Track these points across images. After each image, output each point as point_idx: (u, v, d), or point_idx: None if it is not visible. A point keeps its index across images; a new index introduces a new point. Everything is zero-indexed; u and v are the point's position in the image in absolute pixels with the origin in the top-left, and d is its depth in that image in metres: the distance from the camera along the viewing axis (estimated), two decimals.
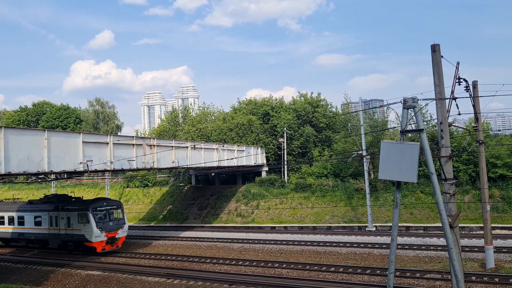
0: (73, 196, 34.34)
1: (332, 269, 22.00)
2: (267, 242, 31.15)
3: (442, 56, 11.61)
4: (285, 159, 46.97)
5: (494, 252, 21.24)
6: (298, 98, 54.07)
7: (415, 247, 26.01)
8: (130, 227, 44.55)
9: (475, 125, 20.53)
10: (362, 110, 39.31)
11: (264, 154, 46.92)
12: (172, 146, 30.72)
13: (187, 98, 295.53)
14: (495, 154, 34.70)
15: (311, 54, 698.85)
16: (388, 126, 43.50)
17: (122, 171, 35.33)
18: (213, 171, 47.13)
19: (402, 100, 10.02)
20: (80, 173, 32.16)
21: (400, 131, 9.91)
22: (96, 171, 26.85)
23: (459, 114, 13.99)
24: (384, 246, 26.92)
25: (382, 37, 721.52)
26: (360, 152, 36.21)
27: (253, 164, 44.07)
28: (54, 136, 21.25)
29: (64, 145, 21.72)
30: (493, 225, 24.64)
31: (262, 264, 24.14)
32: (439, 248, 25.01)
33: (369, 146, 38.17)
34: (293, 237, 32.30)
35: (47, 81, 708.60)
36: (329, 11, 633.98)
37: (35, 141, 20.16)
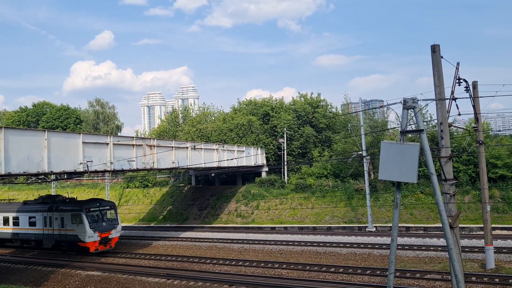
0: (67, 196, 34.66)
1: (332, 269, 22.00)
2: (267, 242, 31.14)
3: (442, 57, 11.62)
4: (285, 159, 46.98)
5: (494, 252, 21.23)
6: (298, 99, 54.11)
7: (415, 248, 26.00)
8: (131, 228, 44.70)
9: (475, 125, 20.53)
10: (362, 111, 39.36)
11: (264, 154, 46.92)
12: (172, 147, 30.73)
13: (187, 99, 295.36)
14: (495, 155, 34.71)
15: (311, 54, 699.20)
16: (388, 127, 43.52)
17: (122, 171, 35.35)
18: (213, 171, 47.14)
19: (402, 101, 10.02)
20: (80, 174, 32.19)
21: (400, 131, 9.90)
22: (96, 172, 26.86)
23: (459, 114, 14.00)
24: (384, 246, 26.91)
25: (382, 38, 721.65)
26: (360, 152, 36.21)
27: (253, 165, 44.08)
28: (54, 137, 21.25)
29: (64, 145, 21.72)
30: (493, 225, 24.66)
31: (262, 264, 24.13)
32: (439, 248, 25.01)
33: (369, 147, 38.18)
34: (293, 238, 32.29)
35: (47, 82, 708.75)
36: (329, 11, 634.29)
37: (35, 142, 20.16)
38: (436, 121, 13.29)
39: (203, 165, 34.70)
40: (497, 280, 18.46)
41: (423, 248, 25.84)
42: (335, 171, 43.03)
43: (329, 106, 53.58)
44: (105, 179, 53.65)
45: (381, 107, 25.04)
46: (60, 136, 22.03)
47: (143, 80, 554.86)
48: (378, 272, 20.93)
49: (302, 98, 53.46)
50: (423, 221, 34.01)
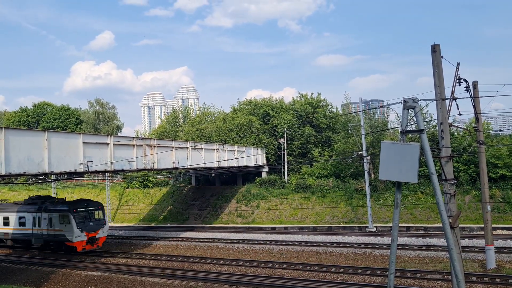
0: (56, 197, 35.42)
1: (333, 269, 21.99)
2: (268, 242, 31.14)
3: (442, 57, 11.61)
4: (285, 159, 46.97)
5: (495, 252, 21.22)
6: (298, 99, 54.08)
7: (415, 248, 25.99)
8: (131, 228, 44.72)
9: (476, 125, 20.52)
10: (362, 111, 39.32)
11: (264, 154, 46.93)
12: (173, 147, 30.73)
13: (187, 99, 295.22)
14: (495, 155, 34.69)
15: (311, 54, 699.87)
16: (389, 127, 43.49)
17: (123, 171, 35.42)
18: (214, 171, 47.14)
19: (402, 101, 10.01)
20: (81, 174, 32.23)
21: (401, 131, 9.89)
22: (96, 172, 26.87)
23: (460, 114, 13.97)
24: (384, 246, 26.91)
25: (382, 38, 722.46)
26: (360, 152, 36.19)
27: (254, 165, 44.07)
28: (54, 137, 21.26)
29: (64, 145, 21.73)
30: (494, 225, 24.66)
31: (263, 264, 24.13)
32: (440, 248, 25.00)
33: (369, 147, 38.16)
34: (294, 238, 32.29)
35: (48, 82, 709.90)
36: (329, 12, 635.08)
37: (36, 142, 20.17)
38: (436, 121, 13.28)
39: (203, 165, 34.70)
40: (497, 280, 18.45)
41: (424, 248, 25.83)
42: (335, 171, 43.01)
43: (329, 106, 53.56)
44: (105, 179, 53.66)
45: (381, 107, 25.01)
46: (60, 136, 22.03)
47: (143, 80, 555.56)
48: (378, 272, 20.92)
49: (302, 98, 53.43)
50: (423, 221, 33.99)
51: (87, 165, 22.64)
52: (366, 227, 34.35)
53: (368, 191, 34.87)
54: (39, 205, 32.98)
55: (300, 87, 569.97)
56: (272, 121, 49.68)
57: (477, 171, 30.15)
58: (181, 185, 52.45)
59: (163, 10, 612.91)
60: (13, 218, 34.36)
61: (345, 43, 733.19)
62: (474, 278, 18.71)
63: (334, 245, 28.64)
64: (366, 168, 35.33)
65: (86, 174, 36.65)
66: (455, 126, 18.44)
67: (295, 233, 35.18)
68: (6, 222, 34.84)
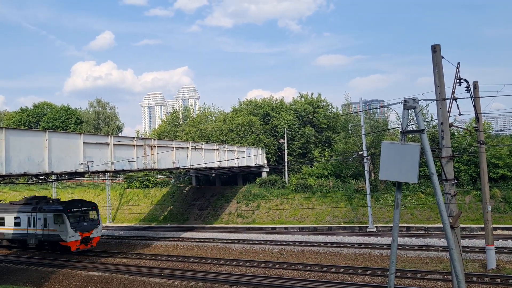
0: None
1: (333, 269, 21.99)
2: (268, 242, 31.14)
3: (442, 57, 11.60)
4: (286, 159, 46.98)
5: (496, 252, 21.21)
6: (299, 99, 54.08)
7: (416, 248, 25.99)
8: (131, 228, 44.72)
9: (476, 125, 20.51)
10: (362, 111, 39.30)
11: (265, 154, 46.92)
12: (173, 147, 30.75)
13: (188, 99, 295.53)
14: (496, 155, 34.68)
15: (311, 54, 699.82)
16: (389, 127, 43.49)
17: (123, 172, 35.44)
18: (214, 171, 47.13)
19: (402, 101, 10.00)
20: (81, 174, 32.23)
21: (401, 131, 9.89)
22: (96, 172, 26.90)
23: (460, 114, 13.95)
24: (385, 246, 26.90)
25: (382, 38, 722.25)
26: (361, 152, 36.19)
27: (254, 165, 44.07)
28: (54, 137, 21.27)
29: (64, 146, 21.74)
30: (494, 225, 24.65)
31: (263, 264, 24.14)
32: (440, 248, 24.99)
33: (369, 147, 38.16)
34: (294, 238, 32.29)
35: (48, 82, 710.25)
36: (329, 12, 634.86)
37: (36, 142, 20.18)
38: (436, 121, 13.28)
39: (203, 165, 34.70)
40: (498, 280, 18.44)
41: (424, 248, 25.82)
42: (335, 171, 43.00)
43: (330, 106, 53.54)
44: (105, 179, 53.69)
45: (381, 107, 25.03)
46: (60, 136, 22.04)
47: (143, 80, 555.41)
48: (379, 272, 20.92)
49: (303, 98, 53.44)
50: (423, 221, 33.98)
51: (88, 165, 22.65)
52: (367, 227, 34.34)
53: (368, 191, 34.87)
54: (34, 205, 33.30)
55: (300, 87, 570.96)
56: (272, 121, 49.68)
57: (478, 171, 30.15)
58: (181, 185, 52.45)
59: (163, 10, 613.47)
60: (8, 218, 34.73)
61: (345, 43, 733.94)
62: (474, 278, 18.70)
63: (335, 245, 28.64)
64: (366, 168, 35.33)
65: (87, 174, 36.58)
66: (455, 126, 18.45)
67: (295, 233, 35.18)
68: (1, 223, 35.23)
